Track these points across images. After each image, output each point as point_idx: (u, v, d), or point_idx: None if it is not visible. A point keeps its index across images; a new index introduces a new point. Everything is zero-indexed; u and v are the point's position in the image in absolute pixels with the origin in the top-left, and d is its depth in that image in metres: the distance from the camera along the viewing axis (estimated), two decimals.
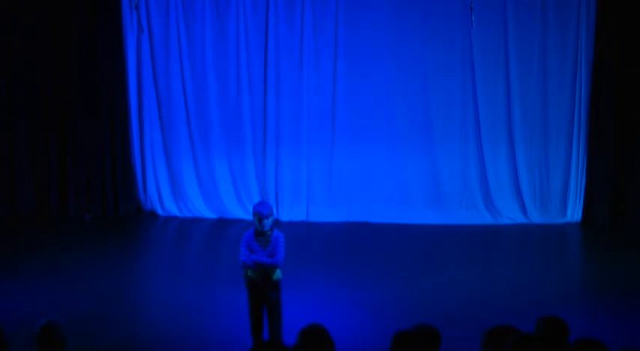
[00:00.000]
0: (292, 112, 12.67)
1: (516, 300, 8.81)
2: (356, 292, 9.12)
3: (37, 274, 9.72)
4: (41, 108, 12.76)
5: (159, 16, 12.68)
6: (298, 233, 11.90)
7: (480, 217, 12.51)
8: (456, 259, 10.79)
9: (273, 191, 12.81)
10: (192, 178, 12.96)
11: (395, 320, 7.36)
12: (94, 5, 12.56)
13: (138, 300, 9.13)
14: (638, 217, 12.08)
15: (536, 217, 12.50)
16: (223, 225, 12.56)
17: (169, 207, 12.99)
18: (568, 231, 12.28)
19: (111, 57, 12.64)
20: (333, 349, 4.71)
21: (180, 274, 10.11)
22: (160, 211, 12.99)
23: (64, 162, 12.90)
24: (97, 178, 12.87)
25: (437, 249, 11.30)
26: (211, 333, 7.84)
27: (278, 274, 6.99)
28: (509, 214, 12.52)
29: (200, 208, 12.94)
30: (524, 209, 12.54)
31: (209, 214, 12.92)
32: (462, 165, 12.60)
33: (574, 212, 12.46)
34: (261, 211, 6.84)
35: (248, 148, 12.82)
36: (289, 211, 12.75)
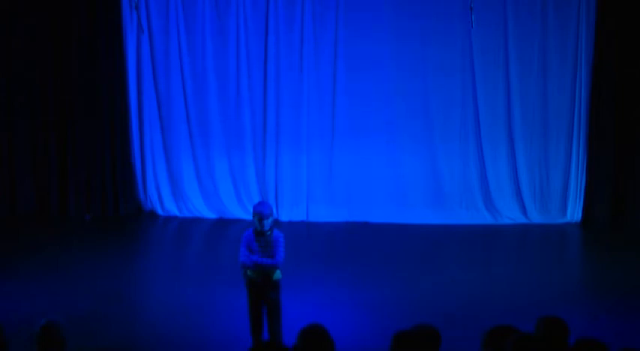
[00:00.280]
0: (292, 112, 12.67)
1: (516, 300, 8.81)
2: (356, 292, 9.12)
3: (37, 274, 9.72)
4: (41, 108, 12.76)
5: (159, 16, 12.68)
6: (298, 233, 11.90)
7: (480, 217, 12.51)
8: (456, 259, 10.79)
9: (273, 191, 12.82)
10: (192, 178, 12.96)
11: (395, 320, 7.36)
12: (94, 5, 12.56)
13: (138, 300, 9.13)
14: (638, 217, 12.08)
15: (536, 217, 12.50)
16: (223, 225, 12.56)
17: (169, 207, 12.99)
18: (568, 231, 12.28)
19: (111, 57, 12.64)
20: (333, 349, 4.71)
21: (180, 274, 10.11)
22: (160, 211, 12.99)
23: (64, 162, 12.90)
24: (97, 178, 12.87)
25: (437, 249, 11.29)
26: (211, 333, 7.84)
27: (278, 274, 7.00)
28: (509, 214, 12.52)
29: (200, 208, 12.94)
30: (524, 209, 12.54)
31: (209, 214, 12.92)
32: (462, 165, 12.60)
33: (574, 212, 12.46)
34: (261, 211, 6.84)
35: (248, 148, 12.82)
36: (289, 211, 12.75)
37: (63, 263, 10.24)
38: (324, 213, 12.69)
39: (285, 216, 12.67)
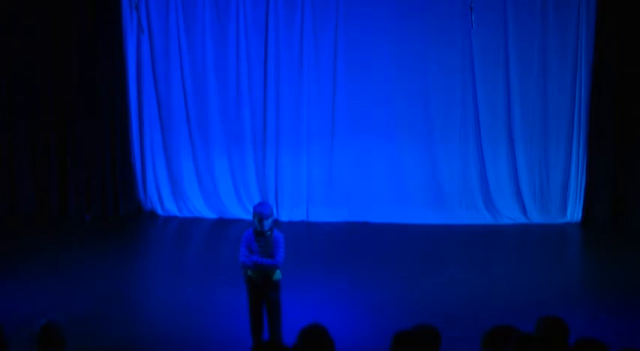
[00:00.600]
0: (292, 112, 12.67)
1: (516, 300, 8.82)
2: (356, 292, 9.13)
3: (37, 274, 9.72)
4: (41, 108, 12.75)
5: (159, 16, 12.68)
6: (298, 233, 11.90)
7: (480, 217, 12.51)
8: (456, 259, 10.79)
9: (273, 191, 12.81)
10: (192, 178, 12.96)
11: (395, 320, 7.36)
12: (94, 5, 12.56)
13: (138, 300, 9.13)
14: (638, 217, 12.08)
15: (536, 217, 12.49)
16: (223, 225, 12.56)
17: (169, 207, 12.99)
18: (568, 231, 12.28)
19: (111, 57, 12.64)
20: (333, 349, 4.72)
21: (180, 274, 10.11)
22: (160, 211, 12.99)
23: (64, 162, 12.90)
24: (97, 178, 12.87)
25: (437, 249, 11.29)
26: (211, 333, 7.84)
27: (278, 274, 7.00)
28: (509, 214, 12.52)
29: (200, 208, 12.94)
30: (524, 209, 12.54)
31: (209, 214, 12.92)
32: (462, 165, 12.60)
33: (574, 212, 12.46)
34: (261, 212, 6.84)
35: (248, 148, 12.82)
36: (289, 211, 12.75)
37: (63, 263, 10.24)
38: (324, 213, 12.69)
39: (285, 216, 12.67)
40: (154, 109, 12.92)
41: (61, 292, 9.04)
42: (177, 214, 12.97)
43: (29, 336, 5.17)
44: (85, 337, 7.25)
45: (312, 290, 9.03)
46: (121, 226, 12.58)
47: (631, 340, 7.14)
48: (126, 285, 9.47)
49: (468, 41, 12.31)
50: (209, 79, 12.73)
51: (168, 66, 12.75)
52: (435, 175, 12.62)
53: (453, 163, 12.59)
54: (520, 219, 12.50)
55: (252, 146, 12.82)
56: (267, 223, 6.84)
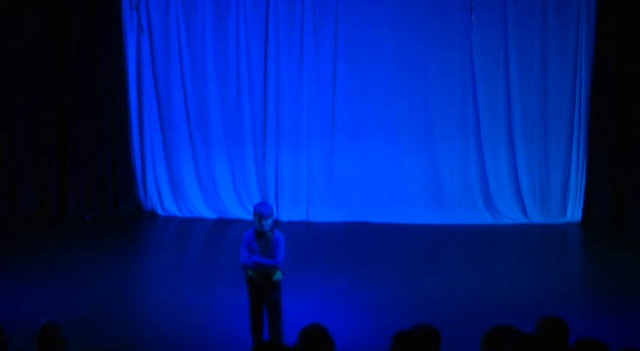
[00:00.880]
0: (292, 112, 12.67)
1: (516, 300, 8.82)
2: (356, 292, 9.13)
3: (37, 274, 9.72)
4: (41, 108, 12.75)
5: (159, 16, 12.68)
6: (298, 233, 11.90)
7: (480, 217, 12.51)
8: (456, 259, 10.79)
9: (273, 191, 12.81)
10: (192, 178, 12.95)
11: (395, 320, 7.36)
12: (94, 5, 12.56)
13: (138, 300, 9.13)
14: (638, 217, 12.08)
15: (536, 217, 12.49)
16: (223, 225, 12.56)
17: (169, 207, 12.99)
18: (568, 231, 12.28)
19: (111, 57, 12.64)
20: (333, 349, 4.72)
21: (180, 274, 10.11)
22: (160, 211, 12.99)
23: (64, 162, 12.90)
24: (97, 178, 12.86)
25: (437, 249, 11.29)
26: (211, 333, 7.84)
27: (278, 275, 7.00)
28: (509, 214, 12.51)
29: (200, 208, 12.94)
30: (524, 209, 12.53)
31: (209, 214, 12.92)
32: (462, 165, 12.60)
33: (574, 212, 12.46)
34: (262, 212, 6.84)
35: (248, 148, 12.82)
36: (289, 211, 12.75)
37: (63, 263, 10.24)
38: (324, 213, 12.69)
39: (285, 216, 12.67)
40: (154, 109, 12.92)
41: (61, 292, 9.04)
42: (177, 214, 12.97)
43: (29, 336, 5.17)
44: (85, 337, 7.25)
45: (312, 290, 9.03)
46: (121, 226, 12.58)
47: (631, 340, 7.15)
48: (126, 285, 9.47)
49: (468, 41, 12.31)
50: (209, 79, 12.73)
51: (168, 66, 12.75)
52: (434, 175, 12.62)
53: (453, 163, 12.59)
54: (520, 219, 12.50)
55: (252, 146, 12.82)
56: (268, 223, 6.84)
